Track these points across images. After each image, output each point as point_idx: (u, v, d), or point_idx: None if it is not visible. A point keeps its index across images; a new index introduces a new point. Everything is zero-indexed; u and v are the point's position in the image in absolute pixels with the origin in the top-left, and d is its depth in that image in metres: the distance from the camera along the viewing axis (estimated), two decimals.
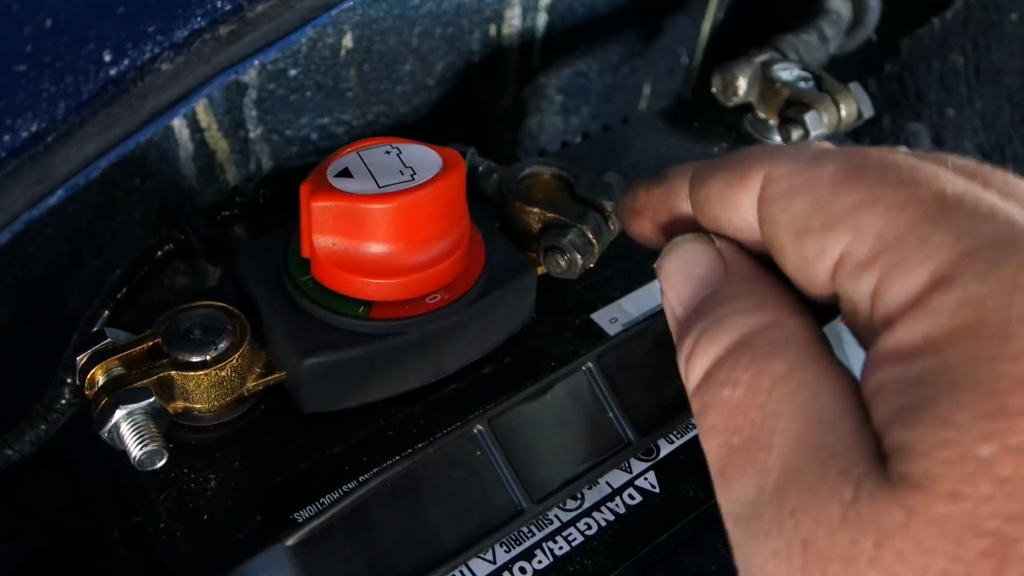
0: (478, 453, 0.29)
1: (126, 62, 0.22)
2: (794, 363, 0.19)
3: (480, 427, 0.29)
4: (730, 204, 0.22)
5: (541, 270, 0.36)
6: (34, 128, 0.21)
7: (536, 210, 0.35)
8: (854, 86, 0.46)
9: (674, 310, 0.23)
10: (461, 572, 0.28)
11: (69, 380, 0.37)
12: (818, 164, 0.20)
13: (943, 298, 0.17)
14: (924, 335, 0.17)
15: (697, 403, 0.20)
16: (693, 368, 0.21)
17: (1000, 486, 0.15)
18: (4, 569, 0.48)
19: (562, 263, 0.35)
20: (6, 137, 0.21)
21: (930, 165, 0.19)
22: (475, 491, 0.28)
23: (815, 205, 0.20)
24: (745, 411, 0.19)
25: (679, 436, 0.33)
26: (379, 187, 0.30)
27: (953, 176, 0.19)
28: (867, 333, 0.19)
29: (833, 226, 0.19)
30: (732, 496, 0.19)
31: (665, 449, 0.32)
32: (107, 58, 0.21)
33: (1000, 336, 0.16)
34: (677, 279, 0.23)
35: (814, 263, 0.20)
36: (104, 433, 0.29)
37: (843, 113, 0.45)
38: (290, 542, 0.26)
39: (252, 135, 0.46)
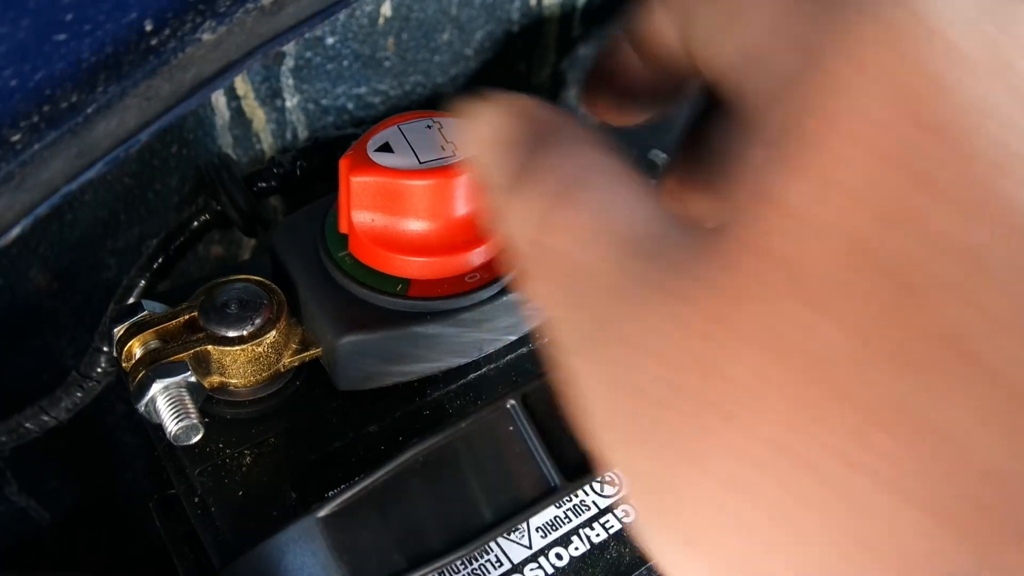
0: (511, 428, 0.28)
1: (167, 31, 0.21)
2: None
3: (512, 402, 0.28)
4: None
5: None
6: (74, 99, 0.20)
7: None
8: None
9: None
10: (497, 558, 0.28)
11: (105, 349, 0.37)
12: None
13: None
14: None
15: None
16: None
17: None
18: (41, 528, 0.49)
19: None
20: (45, 108, 0.20)
21: None
22: (507, 467, 0.28)
23: None
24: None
25: None
26: (420, 163, 0.29)
27: None
28: None
29: None
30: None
31: None
32: (148, 28, 0.21)
33: None
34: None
35: None
36: (141, 407, 0.29)
37: None
38: (322, 513, 0.26)
39: (289, 104, 0.45)
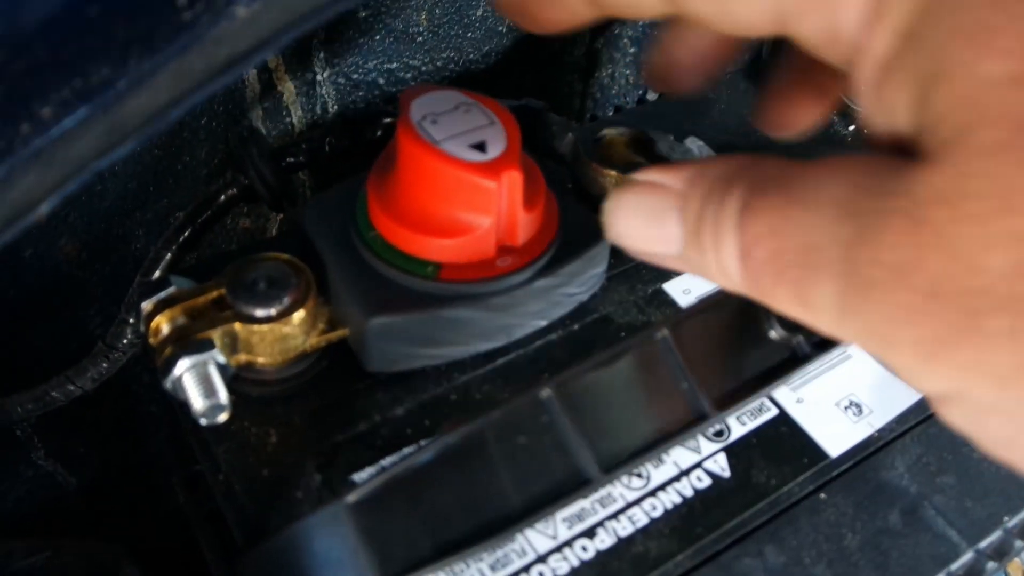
0: (544, 418, 0.28)
1: (201, 6, 0.20)
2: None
3: (548, 392, 0.28)
4: None
5: None
6: (105, 74, 0.20)
7: (613, 173, 0.34)
8: None
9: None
10: (522, 548, 0.28)
11: (132, 320, 0.37)
12: None
13: None
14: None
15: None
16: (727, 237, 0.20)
17: None
18: (67, 494, 0.49)
19: None
20: (76, 82, 0.20)
21: None
22: (540, 457, 0.27)
23: None
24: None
25: (752, 418, 0.32)
26: (437, 141, 0.28)
27: None
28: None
29: None
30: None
31: (736, 431, 0.31)
32: (181, 2, 0.20)
33: None
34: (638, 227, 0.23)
35: None
36: (167, 383, 0.28)
37: None
38: (351, 499, 0.25)
39: (319, 77, 0.45)
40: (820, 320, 0.18)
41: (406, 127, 0.29)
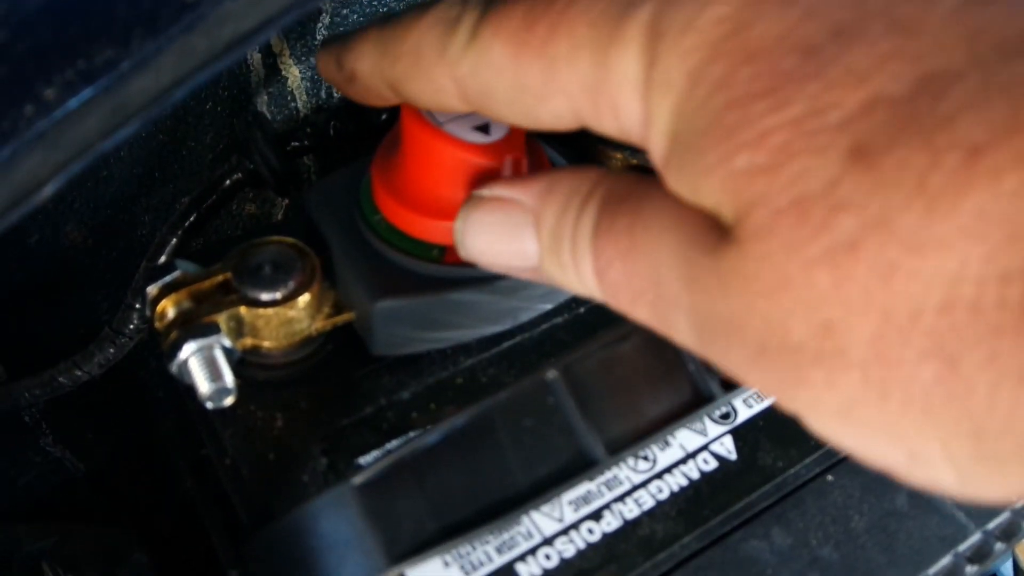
0: (550, 400, 0.28)
1: None
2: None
3: (554, 373, 0.28)
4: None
5: None
6: (109, 55, 0.20)
7: (620, 155, 0.34)
8: None
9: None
10: (528, 531, 0.28)
11: (138, 306, 0.37)
12: None
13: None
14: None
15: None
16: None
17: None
18: (76, 479, 0.49)
19: None
20: (80, 63, 0.20)
21: None
22: (546, 439, 0.28)
23: None
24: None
25: (758, 400, 0.31)
26: (439, 122, 0.28)
27: None
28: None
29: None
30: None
31: (743, 414, 0.31)
32: None
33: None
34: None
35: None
36: (173, 368, 0.28)
37: None
38: (357, 481, 0.25)
39: None
40: (685, 344, 0.20)
41: (409, 109, 0.29)
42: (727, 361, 0.18)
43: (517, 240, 0.23)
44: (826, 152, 0.16)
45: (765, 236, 0.16)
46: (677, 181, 0.19)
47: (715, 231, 0.18)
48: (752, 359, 0.17)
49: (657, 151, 0.19)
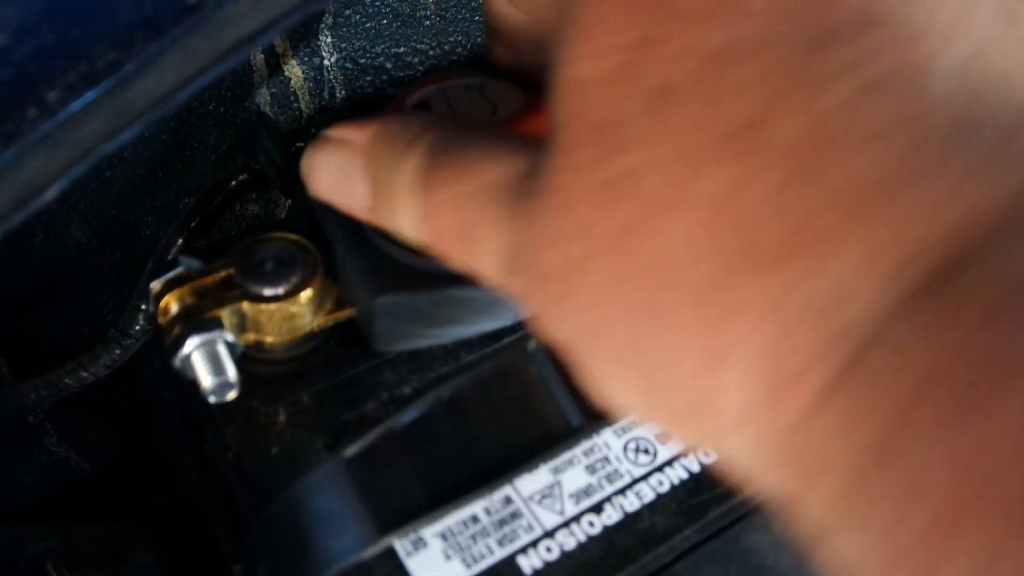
0: (532, 370, 0.28)
1: None
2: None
3: (535, 344, 0.28)
4: None
5: None
6: (111, 57, 0.20)
7: None
8: None
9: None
10: (529, 524, 0.28)
11: (144, 306, 0.37)
12: None
13: None
14: None
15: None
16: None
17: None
18: (81, 479, 0.50)
19: None
20: (83, 65, 0.20)
21: None
22: (530, 408, 0.28)
23: None
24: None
25: None
26: None
27: None
28: None
29: None
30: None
31: None
32: None
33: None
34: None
35: None
36: (176, 362, 0.29)
37: None
38: (347, 454, 0.26)
39: (327, 62, 0.45)
40: (495, 281, 0.20)
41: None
42: (514, 291, 0.19)
43: (350, 182, 0.24)
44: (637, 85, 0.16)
45: (564, 155, 0.17)
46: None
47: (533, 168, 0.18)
48: (526, 286, 0.18)
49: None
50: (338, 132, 0.24)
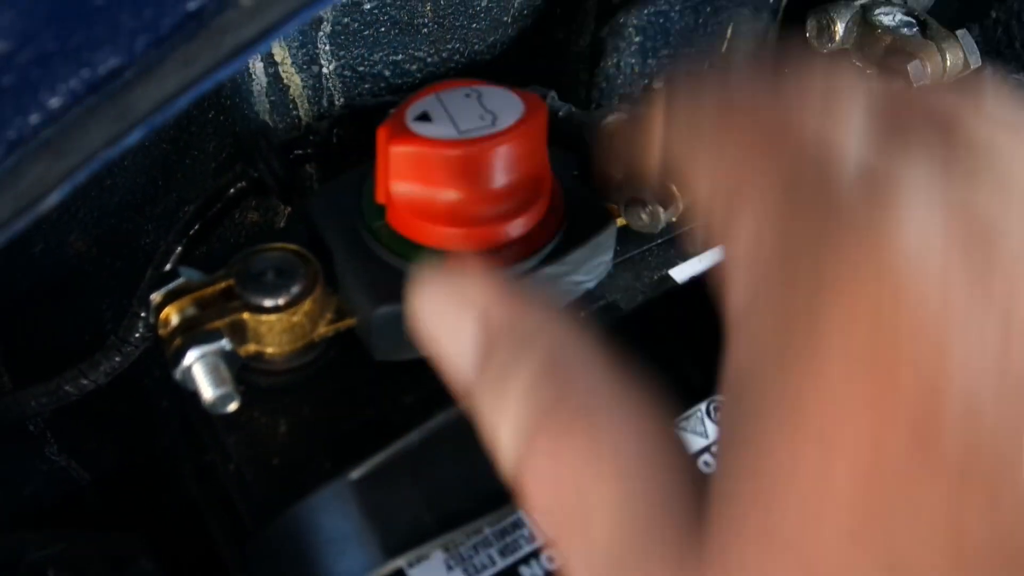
0: None
1: None
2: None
3: None
4: None
5: (621, 222, 0.34)
6: (113, 63, 0.20)
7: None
8: (962, 33, 0.43)
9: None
10: (531, 532, 0.28)
11: (143, 314, 0.37)
12: None
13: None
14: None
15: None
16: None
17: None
18: (81, 488, 0.50)
19: (644, 217, 0.33)
20: (84, 72, 0.20)
21: None
22: None
23: None
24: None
25: None
26: (459, 132, 0.29)
27: None
28: None
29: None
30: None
31: None
32: None
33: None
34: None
35: None
36: (177, 374, 0.29)
37: (948, 63, 0.42)
38: (354, 476, 0.26)
39: (325, 70, 0.45)
40: None
41: (393, 118, 0.29)
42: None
43: (458, 340, 0.20)
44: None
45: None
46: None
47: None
48: None
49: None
50: (455, 273, 0.20)
